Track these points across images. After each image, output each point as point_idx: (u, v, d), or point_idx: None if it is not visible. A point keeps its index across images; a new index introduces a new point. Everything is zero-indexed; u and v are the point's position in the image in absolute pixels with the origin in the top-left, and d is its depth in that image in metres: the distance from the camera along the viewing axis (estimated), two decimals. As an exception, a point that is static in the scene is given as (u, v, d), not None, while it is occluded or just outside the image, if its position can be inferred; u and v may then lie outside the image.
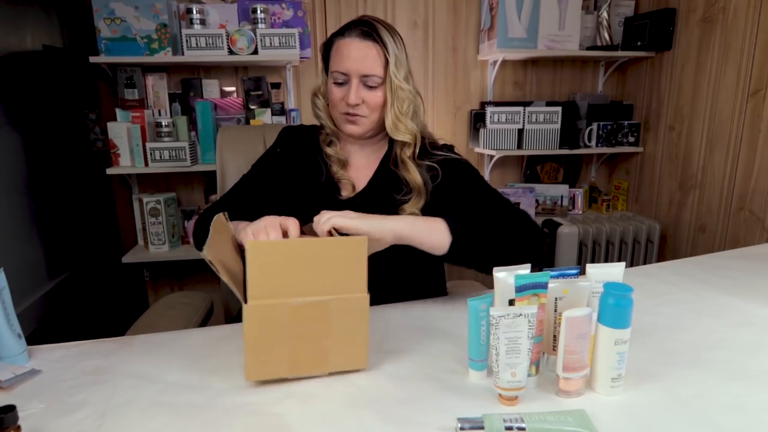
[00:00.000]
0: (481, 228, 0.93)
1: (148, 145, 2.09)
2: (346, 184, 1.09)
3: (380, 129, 1.07)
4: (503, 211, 1.00)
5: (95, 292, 2.11)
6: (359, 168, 1.12)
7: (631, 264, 2.42)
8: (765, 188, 1.96)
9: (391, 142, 1.10)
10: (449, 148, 1.14)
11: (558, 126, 2.45)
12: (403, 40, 1.05)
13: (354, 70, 1.00)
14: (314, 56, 2.35)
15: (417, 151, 1.07)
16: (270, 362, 0.71)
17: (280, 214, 0.85)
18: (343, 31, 1.03)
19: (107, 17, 1.95)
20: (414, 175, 1.05)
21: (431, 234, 0.88)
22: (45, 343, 0.85)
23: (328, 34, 2.56)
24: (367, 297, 0.73)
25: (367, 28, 1.00)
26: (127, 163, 2.12)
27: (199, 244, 1.00)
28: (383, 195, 1.07)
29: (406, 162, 1.06)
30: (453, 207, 1.04)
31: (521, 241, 0.95)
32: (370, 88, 1.01)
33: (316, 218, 0.83)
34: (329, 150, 1.10)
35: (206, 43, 2.03)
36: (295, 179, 1.11)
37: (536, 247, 0.96)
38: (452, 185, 1.06)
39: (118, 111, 2.12)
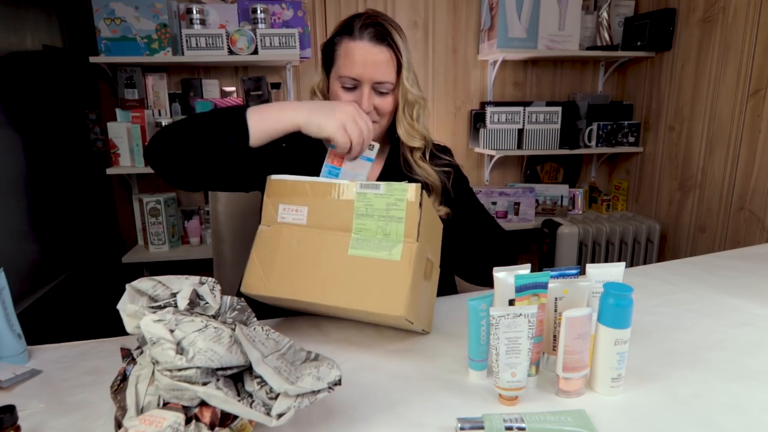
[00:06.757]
0: (460, 237, 1.00)
1: (148, 145, 2.08)
2: None
3: (384, 132, 1.06)
4: (486, 228, 1.08)
5: (95, 292, 2.11)
6: None
7: (631, 264, 2.42)
8: (765, 188, 1.96)
9: (396, 143, 1.08)
10: (448, 151, 1.16)
11: (558, 126, 2.45)
12: (406, 37, 0.99)
13: (367, 77, 0.94)
14: (314, 56, 2.35)
15: (428, 153, 1.07)
16: (416, 301, 0.78)
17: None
18: (350, 31, 0.94)
19: (107, 17, 1.95)
20: (432, 175, 1.05)
21: None
22: (45, 343, 0.85)
23: (328, 34, 2.54)
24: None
25: (380, 30, 0.94)
26: (127, 163, 2.12)
27: (161, 151, 0.88)
28: None
29: (419, 164, 1.05)
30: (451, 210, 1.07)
31: (493, 257, 1.03)
32: (382, 94, 0.97)
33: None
34: None
35: (206, 43, 2.03)
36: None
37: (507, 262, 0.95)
38: (453, 190, 1.10)
39: (118, 111, 2.12)
